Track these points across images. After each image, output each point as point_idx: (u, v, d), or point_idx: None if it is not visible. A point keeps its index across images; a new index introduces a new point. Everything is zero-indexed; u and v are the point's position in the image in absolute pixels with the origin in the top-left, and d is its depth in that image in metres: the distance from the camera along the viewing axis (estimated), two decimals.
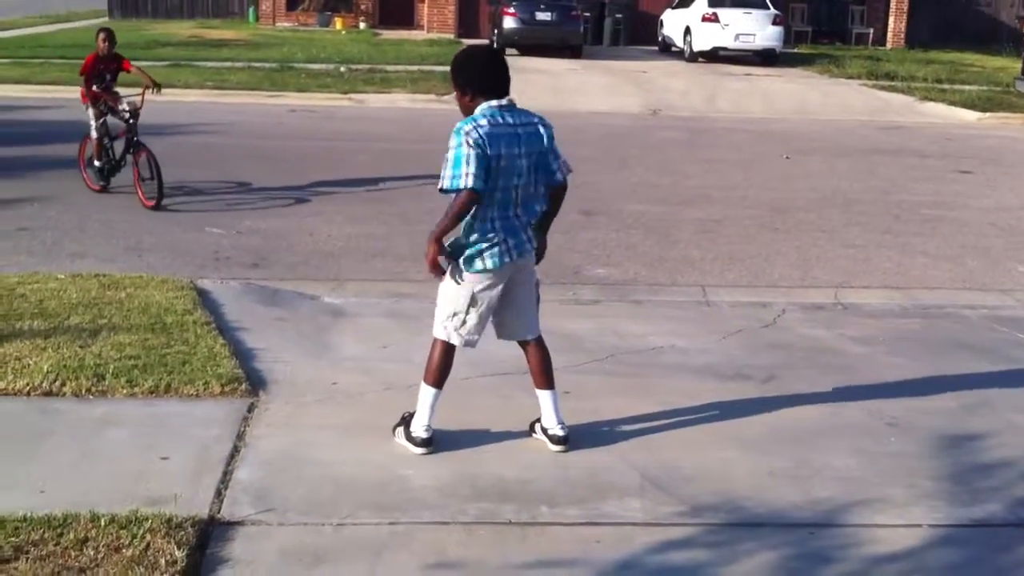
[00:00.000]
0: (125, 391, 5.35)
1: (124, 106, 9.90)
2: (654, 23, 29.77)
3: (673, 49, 27.94)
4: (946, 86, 22.54)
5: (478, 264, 4.67)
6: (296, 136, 14.80)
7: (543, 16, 25.56)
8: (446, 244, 4.67)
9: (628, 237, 9.53)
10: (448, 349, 4.84)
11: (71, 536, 3.91)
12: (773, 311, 7.38)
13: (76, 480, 4.44)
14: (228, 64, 21.74)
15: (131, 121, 9.84)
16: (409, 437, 4.86)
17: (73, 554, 3.82)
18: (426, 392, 4.84)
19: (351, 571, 3.91)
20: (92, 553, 3.82)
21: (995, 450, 5.12)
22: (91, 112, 10.17)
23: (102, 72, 10.12)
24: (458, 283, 4.73)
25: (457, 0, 30.91)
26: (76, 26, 32.53)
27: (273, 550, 4.00)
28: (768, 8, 26.00)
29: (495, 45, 25.58)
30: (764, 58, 26.03)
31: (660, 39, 29.14)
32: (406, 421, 4.92)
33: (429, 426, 4.84)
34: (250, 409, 5.25)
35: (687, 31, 26.46)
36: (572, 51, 26.06)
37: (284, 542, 4.06)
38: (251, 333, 6.41)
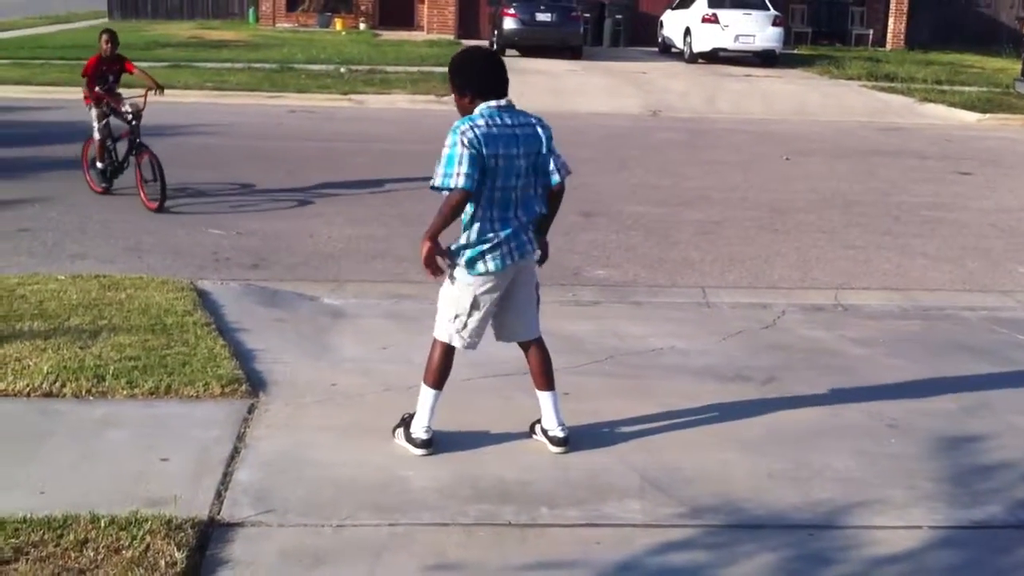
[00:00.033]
0: (125, 392, 5.35)
1: (127, 108, 9.89)
2: (654, 24, 29.78)
3: (673, 50, 27.95)
4: (946, 87, 22.54)
5: (480, 267, 4.67)
6: (296, 137, 14.80)
7: (543, 17, 25.56)
8: (450, 248, 4.67)
9: (628, 238, 9.54)
10: (448, 350, 4.84)
11: (71, 537, 3.91)
12: (773, 312, 7.38)
13: (76, 481, 4.44)
14: (228, 65, 21.74)
15: (134, 123, 9.84)
16: (409, 438, 4.86)
17: (73, 555, 3.82)
18: (426, 393, 4.85)
19: (351, 572, 3.91)
20: (92, 554, 3.83)
21: (995, 452, 5.12)
22: (94, 113, 10.16)
23: (105, 73, 10.12)
24: (452, 282, 4.74)
25: (457, 1, 30.92)
26: (76, 27, 32.55)
27: (273, 551, 4.01)
28: (768, 9, 26.01)
29: (495, 46, 25.60)
30: (764, 59, 26.04)
31: (660, 40, 29.15)
32: (406, 422, 4.92)
33: (429, 427, 4.84)
34: (250, 410, 5.25)
35: (687, 32, 26.47)
36: (572, 52, 26.06)
37: (284, 543, 4.06)
38: (251, 334, 6.41)
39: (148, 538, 3.92)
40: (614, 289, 7.97)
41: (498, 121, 4.60)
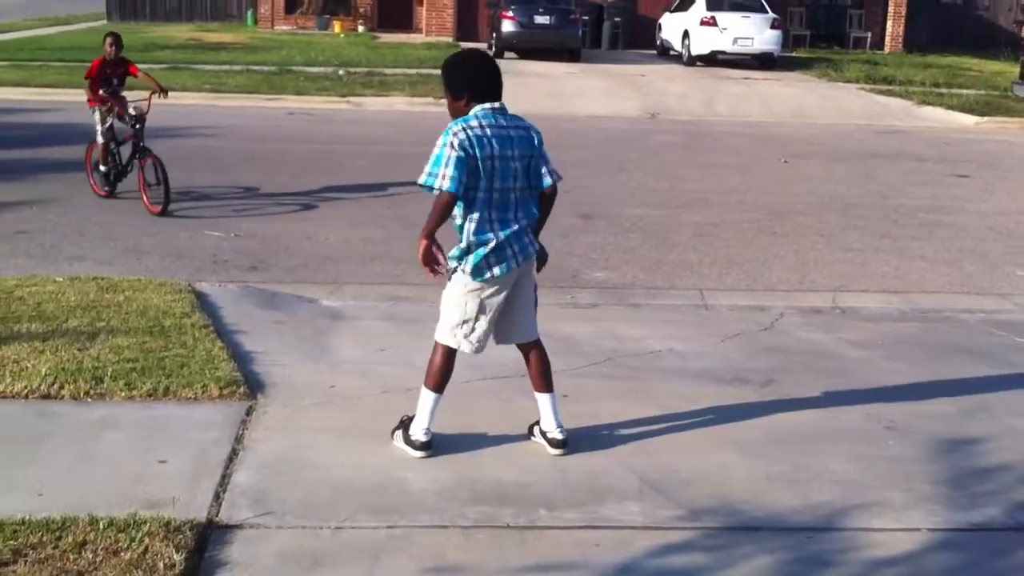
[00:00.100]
0: (123, 394, 5.34)
1: (130, 111, 9.88)
2: (652, 27, 29.81)
3: (671, 53, 27.98)
4: (944, 90, 22.58)
5: (487, 273, 4.67)
6: (294, 139, 14.81)
7: (541, 20, 25.58)
8: (451, 253, 4.67)
9: (626, 241, 9.54)
10: (450, 354, 4.84)
11: (69, 539, 3.90)
12: (771, 315, 7.39)
13: (74, 483, 4.44)
14: (226, 67, 21.76)
15: (137, 126, 9.81)
16: (408, 440, 4.86)
17: (71, 557, 3.81)
18: (426, 396, 4.84)
19: (349, 574, 3.90)
20: (90, 556, 3.82)
21: (993, 454, 5.12)
22: (97, 117, 10.13)
23: (109, 76, 10.09)
24: (456, 288, 4.74)
25: (455, 3, 30.94)
26: (75, 29, 32.56)
27: (271, 553, 4.00)
28: (766, 12, 26.04)
29: (493, 48, 25.63)
30: (762, 62, 26.06)
31: (658, 43, 29.19)
32: (405, 424, 4.92)
33: (428, 430, 4.84)
34: (248, 412, 5.25)
35: (685, 35, 26.50)
36: (570, 55, 26.08)
37: (282, 545, 4.06)
38: (249, 336, 6.41)
39: (147, 540, 3.92)
40: (612, 291, 7.98)
41: (492, 123, 4.61)
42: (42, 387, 5.32)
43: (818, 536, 4.29)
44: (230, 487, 4.47)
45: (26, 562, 3.77)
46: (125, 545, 3.88)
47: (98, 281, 7.21)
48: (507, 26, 25.55)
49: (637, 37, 30.13)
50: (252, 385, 5.58)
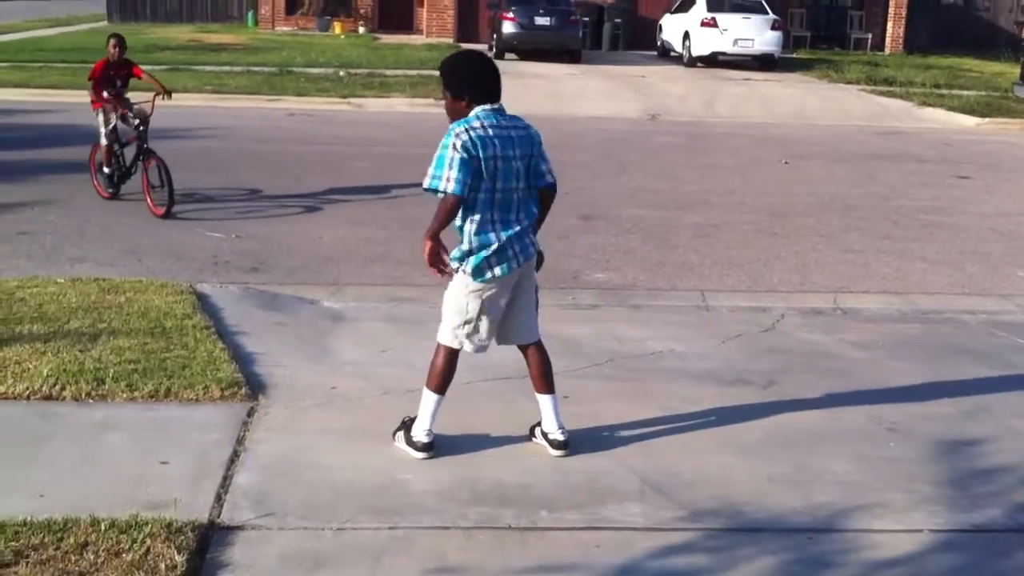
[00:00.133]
0: (125, 395, 5.35)
1: (134, 113, 9.87)
2: (653, 28, 29.81)
3: (672, 54, 27.99)
4: (944, 91, 22.58)
5: (487, 274, 4.67)
6: (295, 140, 14.81)
7: (542, 21, 25.58)
8: (453, 254, 4.67)
9: (627, 242, 9.54)
10: (452, 355, 4.84)
11: (71, 540, 3.91)
12: (772, 316, 7.39)
13: (76, 484, 4.44)
14: (227, 68, 21.76)
15: (141, 128, 9.81)
16: (410, 442, 4.86)
17: (73, 558, 3.81)
18: (428, 398, 4.84)
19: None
20: (92, 557, 3.82)
21: (994, 455, 5.13)
22: (101, 118, 10.12)
23: (112, 78, 10.08)
24: (458, 288, 4.74)
25: (456, 5, 30.95)
26: (76, 30, 32.57)
27: (273, 554, 4.00)
28: (767, 13, 26.03)
29: (494, 50, 25.63)
30: (763, 63, 26.06)
31: (659, 44, 29.18)
32: (406, 425, 4.92)
33: (430, 431, 4.84)
34: (250, 413, 5.25)
35: (686, 36, 26.50)
36: (571, 56, 26.07)
37: (284, 547, 4.06)
38: (250, 337, 6.41)
39: (148, 541, 3.92)
40: (613, 292, 7.98)
41: (494, 123, 4.62)
42: (44, 388, 5.33)
43: (819, 537, 4.29)
44: (232, 488, 4.47)
45: (28, 563, 3.77)
46: (127, 546, 3.89)
47: (99, 282, 7.21)
48: (508, 27, 25.55)
49: (638, 38, 30.13)
50: (253, 386, 5.58)
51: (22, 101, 17.19)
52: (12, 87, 18.51)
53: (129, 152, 10.19)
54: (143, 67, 10.48)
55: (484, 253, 4.65)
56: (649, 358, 6.39)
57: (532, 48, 25.67)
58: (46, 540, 3.91)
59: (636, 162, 14.00)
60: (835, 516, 4.45)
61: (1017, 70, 24.06)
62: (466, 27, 30.91)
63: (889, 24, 32.54)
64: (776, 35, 25.91)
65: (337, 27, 32.31)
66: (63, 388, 5.34)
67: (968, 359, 6.61)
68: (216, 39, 28.75)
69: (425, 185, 4.58)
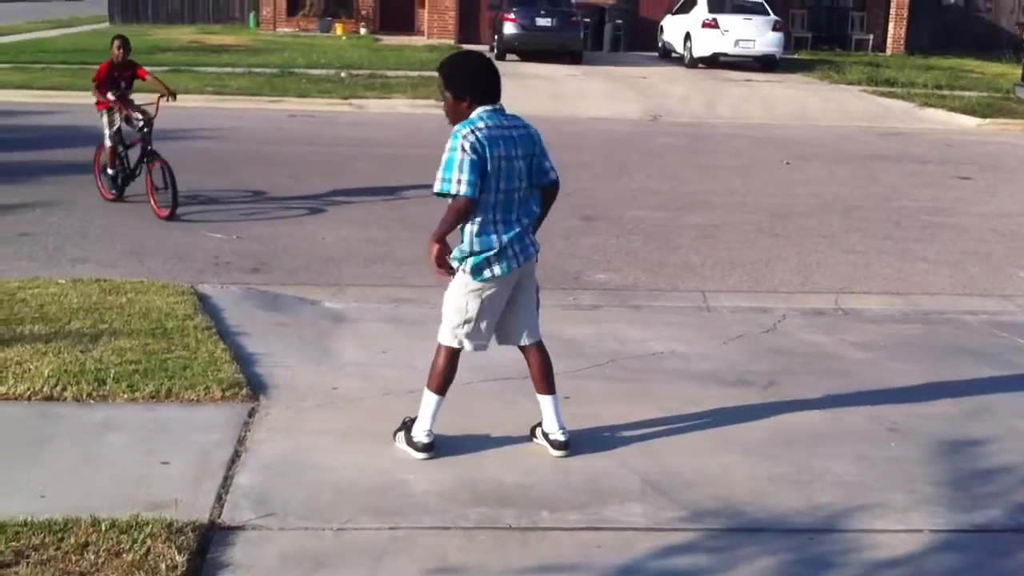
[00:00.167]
0: (126, 396, 5.35)
1: (138, 115, 9.87)
2: (654, 29, 29.83)
3: (673, 55, 28.00)
4: (946, 92, 22.58)
5: (487, 273, 4.67)
6: (296, 141, 14.82)
7: (543, 22, 25.60)
8: (452, 255, 4.67)
9: (628, 243, 9.54)
10: (453, 355, 4.84)
11: (72, 541, 3.91)
12: (773, 316, 7.39)
13: (77, 485, 4.44)
14: (228, 69, 21.78)
15: (145, 130, 9.80)
16: (410, 442, 4.86)
17: (74, 559, 3.82)
18: (429, 398, 4.84)
19: None
20: (93, 558, 3.82)
21: (996, 456, 5.12)
22: (105, 120, 10.12)
23: (117, 80, 10.07)
24: (457, 288, 4.74)
25: (457, 6, 30.98)
26: (78, 31, 32.61)
27: (274, 555, 4.01)
28: (768, 14, 26.04)
29: (495, 51, 25.65)
30: (764, 64, 26.06)
31: (660, 45, 29.20)
32: (407, 426, 4.92)
33: (431, 431, 4.84)
34: (251, 414, 5.25)
35: (687, 37, 26.51)
36: (572, 57, 26.09)
37: (285, 547, 4.06)
38: (252, 338, 6.41)
39: (149, 541, 3.92)
40: (614, 293, 7.98)
41: (496, 123, 4.62)
42: (45, 389, 5.33)
43: (820, 537, 4.29)
44: (232, 489, 4.47)
45: (28, 563, 3.77)
46: (127, 546, 3.89)
47: (101, 283, 7.21)
48: (509, 28, 25.57)
49: (639, 39, 30.15)
50: (254, 387, 5.59)
51: (24, 102, 17.20)
52: (14, 88, 18.53)
53: (133, 154, 10.19)
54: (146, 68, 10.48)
55: (484, 254, 4.64)
56: (650, 359, 6.39)
57: (533, 49, 25.69)
58: (47, 540, 3.91)
59: (637, 163, 14.01)
60: (836, 516, 4.45)
61: (1018, 71, 24.09)
62: (467, 28, 30.94)
63: (890, 25, 32.56)
64: (777, 36, 25.92)
65: (338, 28, 32.34)
66: (64, 389, 5.34)
67: (969, 359, 6.60)
68: (217, 40, 28.78)
69: (436, 189, 4.56)
